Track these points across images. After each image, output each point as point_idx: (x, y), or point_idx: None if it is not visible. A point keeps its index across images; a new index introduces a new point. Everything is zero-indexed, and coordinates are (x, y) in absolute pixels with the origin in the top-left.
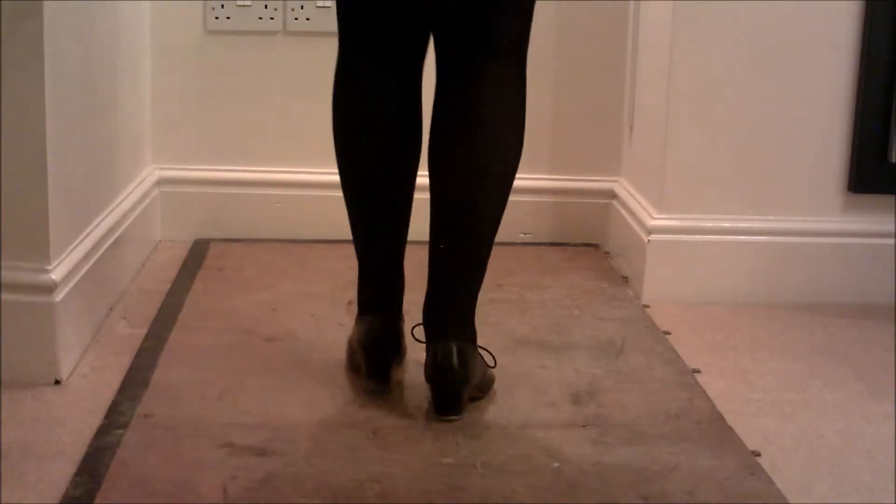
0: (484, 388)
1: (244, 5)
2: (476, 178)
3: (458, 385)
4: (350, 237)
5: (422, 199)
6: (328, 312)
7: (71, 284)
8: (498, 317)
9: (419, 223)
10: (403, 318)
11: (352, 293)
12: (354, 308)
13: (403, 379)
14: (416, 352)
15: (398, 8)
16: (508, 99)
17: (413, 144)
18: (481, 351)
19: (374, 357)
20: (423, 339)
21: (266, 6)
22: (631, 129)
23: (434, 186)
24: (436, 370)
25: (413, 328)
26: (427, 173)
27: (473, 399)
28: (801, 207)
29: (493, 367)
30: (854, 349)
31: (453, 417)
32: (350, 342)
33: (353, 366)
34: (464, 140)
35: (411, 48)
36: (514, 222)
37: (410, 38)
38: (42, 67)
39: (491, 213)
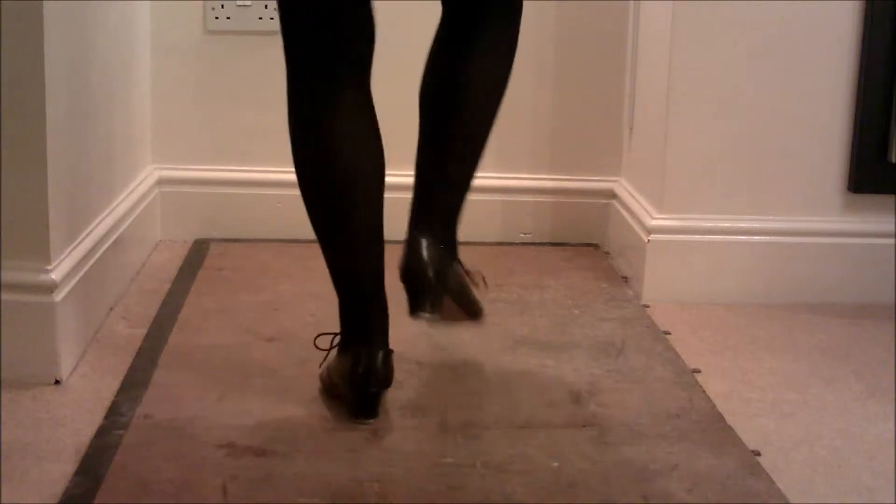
0: (470, 309)
1: (244, 5)
2: (468, 104)
3: (429, 282)
4: None
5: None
6: (328, 312)
7: (71, 284)
8: (498, 317)
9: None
10: (391, 350)
11: None
12: (327, 341)
13: (400, 382)
14: (411, 351)
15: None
16: (507, 41)
17: (380, 155)
18: (475, 273)
19: (364, 395)
20: (324, 348)
21: (266, 6)
22: (631, 129)
23: (425, 110)
24: (409, 265)
25: (316, 337)
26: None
27: (466, 314)
28: (801, 207)
29: (487, 288)
30: (854, 349)
31: (426, 315)
32: (329, 374)
33: (332, 395)
34: (462, 71)
35: (361, 54)
36: (514, 222)
37: (359, 45)
38: (42, 67)
39: (480, 131)
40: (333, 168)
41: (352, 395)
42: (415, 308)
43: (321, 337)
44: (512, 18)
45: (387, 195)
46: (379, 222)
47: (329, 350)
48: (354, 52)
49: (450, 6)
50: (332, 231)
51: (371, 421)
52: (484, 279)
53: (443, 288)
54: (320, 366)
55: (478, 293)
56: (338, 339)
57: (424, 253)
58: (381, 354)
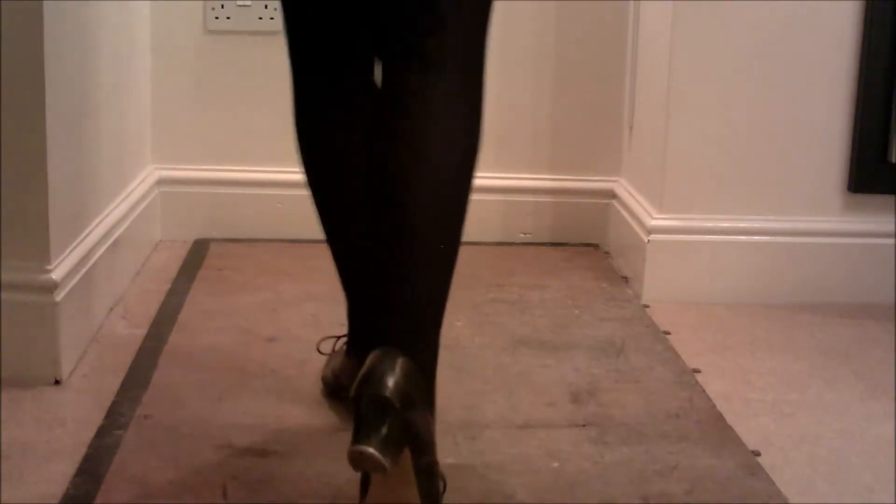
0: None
1: (244, 5)
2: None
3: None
4: None
5: None
6: (328, 312)
7: (71, 284)
8: (498, 317)
9: None
10: None
11: None
12: (328, 345)
13: None
14: None
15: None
16: (453, 120)
17: None
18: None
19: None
20: (326, 352)
21: (266, 6)
22: (631, 129)
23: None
24: (368, 382)
25: (320, 341)
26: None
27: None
28: (801, 207)
29: (444, 491)
30: (854, 349)
31: (373, 449)
32: (335, 375)
33: (336, 396)
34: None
35: (366, 52)
36: (514, 222)
37: (364, 44)
38: (42, 67)
39: (442, 234)
40: (340, 168)
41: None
42: (361, 440)
43: (325, 342)
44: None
45: None
46: None
47: (331, 354)
48: (359, 50)
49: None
50: (341, 232)
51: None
52: (444, 479)
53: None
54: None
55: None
56: (340, 342)
57: (399, 377)
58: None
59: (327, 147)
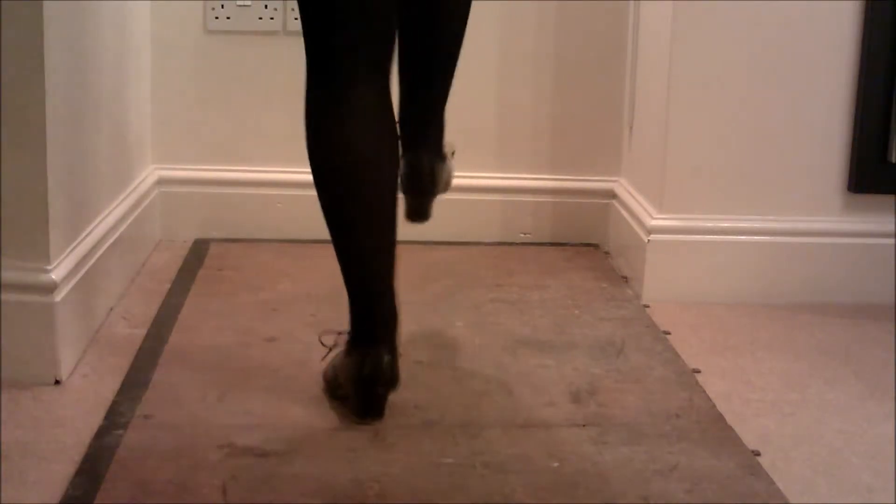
0: (447, 183)
1: (244, 5)
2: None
3: (431, 193)
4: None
5: None
6: (328, 312)
7: (71, 284)
8: (498, 317)
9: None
10: (399, 350)
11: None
12: (331, 339)
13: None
14: (411, 351)
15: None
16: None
17: (395, 158)
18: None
19: (369, 396)
20: (328, 344)
21: (266, 6)
22: (631, 129)
23: (407, 34)
24: (414, 182)
25: (320, 334)
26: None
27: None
28: (801, 207)
29: (453, 154)
30: (854, 349)
31: (420, 220)
32: (335, 372)
33: (336, 395)
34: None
35: (381, 52)
36: (514, 222)
37: (379, 43)
38: (42, 67)
39: (456, 44)
40: (347, 165)
41: (357, 395)
42: (414, 217)
43: (326, 335)
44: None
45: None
46: (392, 222)
47: (332, 348)
48: (374, 51)
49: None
50: (345, 228)
51: (376, 422)
52: (453, 147)
53: (434, 193)
54: (323, 359)
55: (450, 161)
56: (342, 337)
57: (427, 171)
58: (386, 357)
59: (342, 146)
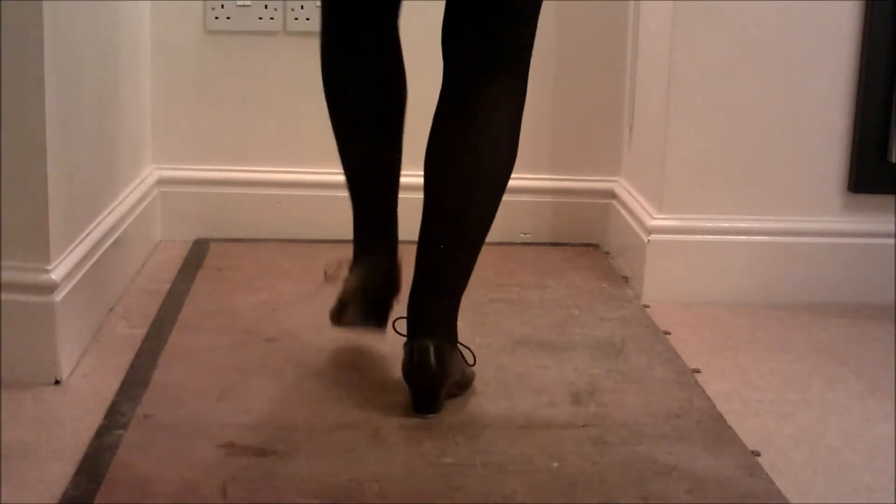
0: (463, 385)
1: (244, 5)
2: (470, 185)
3: (433, 383)
4: (350, 235)
5: (415, 198)
6: (328, 312)
7: (71, 284)
8: (498, 317)
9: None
10: (399, 257)
11: None
12: (335, 276)
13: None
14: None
15: None
16: (507, 110)
17: (399, 88)
18: (462, 349)
19: (373, 299)
20: (405, 333)
21: (266, 6)
22: (631, 129)
23: (428, 188)
24: (412, 368)
25: (395, 321)
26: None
27: (451, 396)
28: (801, 207)
29: (473, 365)
30: (854, 349)
31: (430, 415)
32: (342, 293)
33: (342, 320)
34: (461, 147)
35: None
36: (514, 222)
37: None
38: (42, 67)
39: (482, 219)
40: (356, 92)
41: (363, 299)
42: (419, 410)
43: (399, 320)
44: (517, 86)
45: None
46: (396, 142)
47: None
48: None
49: (450, 67)
50: (351, 138)
51: (379, 329)
52: (472, 353)
53: (443, 386)
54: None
55: (468, 370)
56: (343, 263)
57: (433, 360)
58: (387, 261)
59: (347, 78)
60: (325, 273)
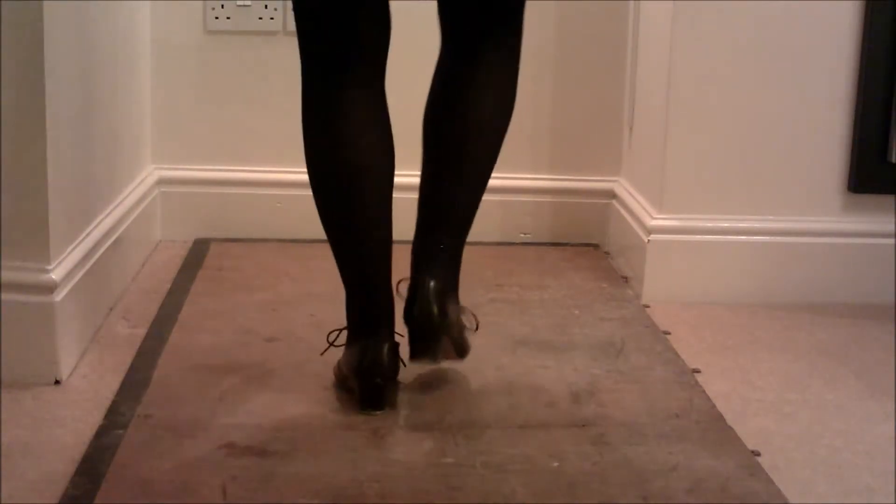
0: (460, 348)
1: (244, 5)
2: (472, 130)
3: (433, 324)
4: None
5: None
6: (328, 312)
7: (71, 284)
8: (498, 317)
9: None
10: (396, 338)
11: None
12: (337, 337)
13: (401, 379)
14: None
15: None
16: (504, 70)
17: (390, 150)
18: (466, 314)
19: (369, 386)
20: (331, 342)
21: (266, 6)
22: (631, 129)
23: (431, 139)
24: (415, 307)
25: (398, 283)
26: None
27: (449, 358)
28: (801, 207)
29: (476, 330)
30: (854, 349)
31: (430, 362)
32: (339, 368)
33: (344, 387)
34: (462, 100)
35: (374, 51)
36: (514, 222)
37: (373, 42)
38: (42, 67)
39: (483, 163)
40: (343, 161)
41: (359, 386)
42: (417, 354)
43: (333, 333)
44: (512, 45)
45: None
46: (387, 216)
47: (332, 343)
48: (369, 50)
49: (448, 31)
50: (341, 223)
51: (378, 413)
52: (476, 320)
53: (446, 332)
54: (322, 353)
55: (469, 333)
56: (344, 333)
57: (432, 297)
58: (386, 346)
59: (330, 138)
60: (328, 338)
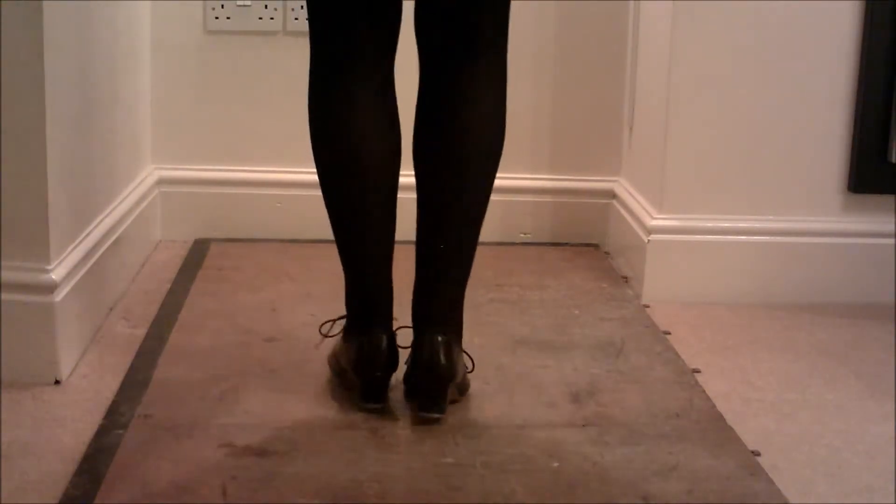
0: (462, 390)
1: (244, 5)
2: (460, 176)
3: (444, 380)
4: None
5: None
6: (328, 312)
7: (71, 284)
8: (498, 317)
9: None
10: (395, 331)
11: None
12: (330, 328)
13: (401, 379)
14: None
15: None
16: (490, 96)
17: (396, 145)
18: (463, 357)
19: (370, 380)
20: (325, 333)
21: (266, 6)
22: (631, 129)
23: (420, 184)
24: (422, 364)
25: (397, 329)
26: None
27: (452, 401)
28: (801, 207)
29: (471, 371)
30: (854, 349)
31: (437, 415)
32: (337, 360)
33: (343, 384)
34: (447, 139)
35: (383, 49)
36: (514, 222)
37: (381, 39)
38: (42, 67)
39: (474, 209)
40: (349, 155)
41: (358, 380)
42: (427, 409)
43: (325, 324)
44: (498, 66)
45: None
46: (391, 210)
47: (327, 335)
48: (379, 49)
49: (428, 57)
50: (345, 216)
51: (379, 406)
52: (472, 361)
53: (452, 383)
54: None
55: (467, 371)
56: (339, 325)
57: (441, 357)
58: (384, 339)
59: (344, 141)
60: (320, 329)
